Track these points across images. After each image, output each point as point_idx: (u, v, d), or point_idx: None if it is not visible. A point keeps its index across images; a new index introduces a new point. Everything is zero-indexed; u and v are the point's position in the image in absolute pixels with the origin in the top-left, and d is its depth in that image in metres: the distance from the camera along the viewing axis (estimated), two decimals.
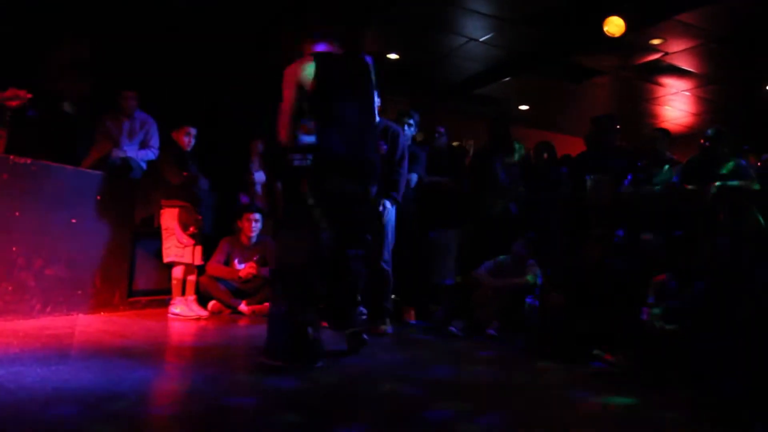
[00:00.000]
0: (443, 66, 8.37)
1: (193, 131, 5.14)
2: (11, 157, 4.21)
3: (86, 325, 4.15)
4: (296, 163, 3.18)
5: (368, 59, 3.42)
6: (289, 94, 3.16)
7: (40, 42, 5.63)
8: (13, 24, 4.51)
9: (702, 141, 4.89)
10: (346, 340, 3.53)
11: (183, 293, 4.99)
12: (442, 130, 5.79)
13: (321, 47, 3.33)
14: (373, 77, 3.42)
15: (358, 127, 3.26)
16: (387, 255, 4.63)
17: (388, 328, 4.60)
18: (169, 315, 4.87)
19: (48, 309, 4.35)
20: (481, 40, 7.35)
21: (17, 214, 4.17)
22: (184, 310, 4.88)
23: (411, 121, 5.26)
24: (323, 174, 3.14)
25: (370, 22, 6.83)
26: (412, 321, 5.22)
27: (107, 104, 5.60)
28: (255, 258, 5.41)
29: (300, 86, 3.15)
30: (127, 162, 5.36)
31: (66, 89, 5.45)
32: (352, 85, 3.31)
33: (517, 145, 5.85)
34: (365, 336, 3.58)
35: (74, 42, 5.69)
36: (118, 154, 5.35)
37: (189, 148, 5.12)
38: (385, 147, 4.59)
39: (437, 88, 9.10)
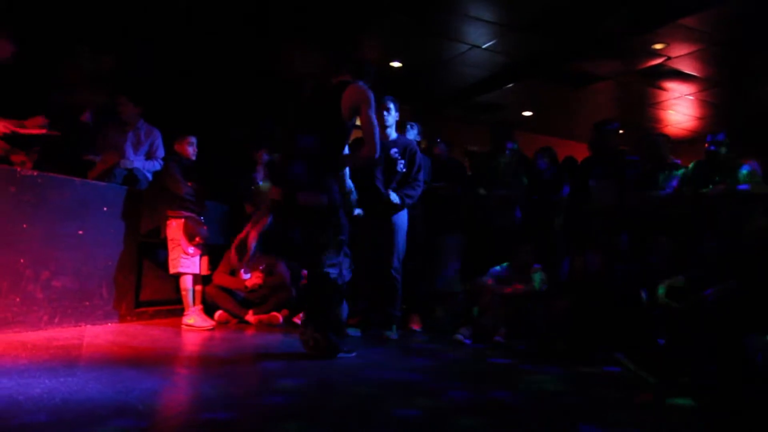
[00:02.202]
0: (446, 73, 8.39)
1: (194, 140, 5.17)
2: (18, 169, 4.24)
3: (94, 336, 4.16)
4: None
5: (349, 86, 3.67)
6: None
7: (58, 54, 5.69)
8: (32, 36, 4.56)
9: (707, 145, 4.90)
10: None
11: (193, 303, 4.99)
12: (438, 139, 5.90)
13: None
14: (340, 102, 3.63)
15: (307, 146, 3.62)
16: (396, 263, 4.68)
17: (393, 334, 4.61)
18: (183, 326, 4.87)
19: (56, 320, 4.36)
20: (483, 47, 7.38)
21: (25, 226, 4.20)
22: (197, 320, 4.87)
23: (408, 126, 5.39)
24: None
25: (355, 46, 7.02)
26: (417, 328, 5.22)
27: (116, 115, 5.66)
28: (261, 268, 5.43)
29: None
30: (132, 173, 5.40)
31: (84, 101, 5.49)
32: (311, 111, 3.73)
33: (512, 146, 5.91)
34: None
35: (93, 54, 5.74)
36: (124, 165, 5.38)
37: (193, 158, 5.15)
38: (402, 162, 4.73)
39: (440, 95, 9.12)
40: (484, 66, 8.07)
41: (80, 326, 4.48)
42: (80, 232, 4.58)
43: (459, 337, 4.65)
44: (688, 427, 2.62)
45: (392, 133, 4.80)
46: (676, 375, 3.32)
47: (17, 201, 4.17)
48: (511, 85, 8.47)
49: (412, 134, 5.49)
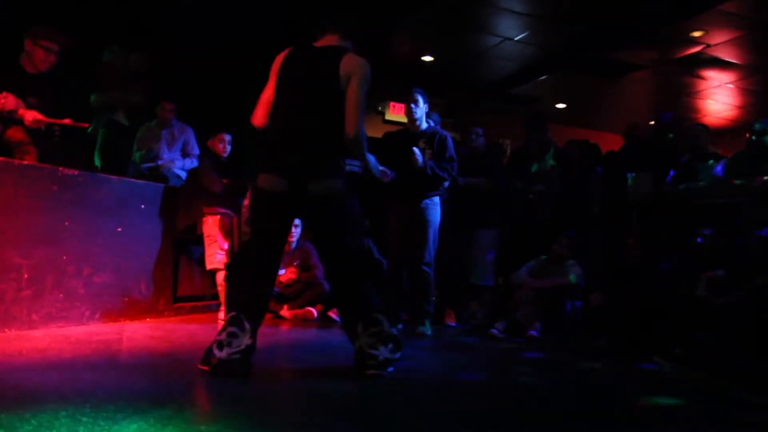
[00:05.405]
0: (478, 66, 8.33)
1: (227, 138, 5.22)
2: (60, 168, 4.33)
3: (133, 330, 4.24)
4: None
5: (347, 57, 2.98)
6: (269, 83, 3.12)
7: (95, 54, 5.81)
8: (70, 37, 4.64)
9: (748, 134, 4.76)
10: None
11: None
12: (480, 131, 5.74)
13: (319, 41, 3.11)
14: (340, 76, 2.93)
15: (298, 124, 2.96)
16: (429, 258, 4.65)
17: (427, 330, 4.60)
18: (219, 321, 4.92)
19: (96, 315, 4.46)
20: (516, 39, 7.29)
21: (66, 223, 4.30)
22: None
23: (430, 121, 5.32)
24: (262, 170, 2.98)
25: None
26: (452, 323, 5.20)
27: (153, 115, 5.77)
28: (295, 263, 5.47)
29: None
30: (161, 171, 5.48)
31: (120, 101, 5.61)
32: (305, 82, 3.00)
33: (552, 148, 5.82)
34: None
35: (129, 54, 5.85)
36: (167, 164, 5.51)
37: (225, 155, 5.21)
38: (430, 152, 4.66)
39: (473, 88, 9.05)
40: (516, 58, 7.98)
41: (120, 321, 4.57)
42: (119, 229, 4.67)
43: (494, 331, 4.62)
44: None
45: (422, 125, 4.75)
46: (723, 369, 3.24)
47: (59, 199, 4.27)
48: (544, 77, 8.36)
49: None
